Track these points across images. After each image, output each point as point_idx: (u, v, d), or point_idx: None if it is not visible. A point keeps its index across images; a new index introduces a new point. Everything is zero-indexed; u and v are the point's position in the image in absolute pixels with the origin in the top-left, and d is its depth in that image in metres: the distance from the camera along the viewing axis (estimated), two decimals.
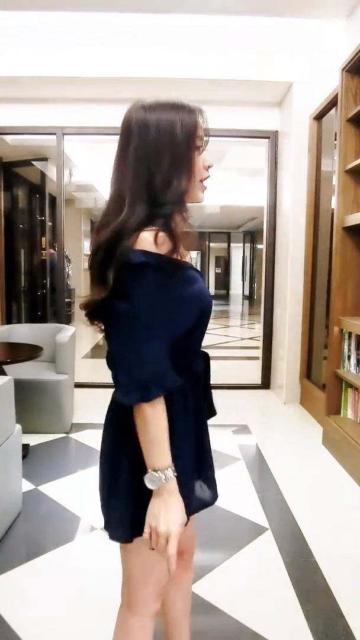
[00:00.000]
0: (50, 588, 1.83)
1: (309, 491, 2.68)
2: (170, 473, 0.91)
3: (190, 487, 1.04)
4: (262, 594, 1.82)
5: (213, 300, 1.06)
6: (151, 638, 1.13)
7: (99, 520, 2.27)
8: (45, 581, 1.87)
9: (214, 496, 1.14)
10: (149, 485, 0.91)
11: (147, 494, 0.93)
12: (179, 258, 0.92)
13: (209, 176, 0.99)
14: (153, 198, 0.91)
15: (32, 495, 2.54)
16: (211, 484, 1.14)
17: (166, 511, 0.90)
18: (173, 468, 0.91)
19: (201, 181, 0.99)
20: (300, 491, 2.66)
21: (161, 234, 0.88)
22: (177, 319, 0.93)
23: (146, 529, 0.92)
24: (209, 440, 1.15)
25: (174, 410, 0.96)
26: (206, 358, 1.13)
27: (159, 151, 0.92)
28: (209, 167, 0.99)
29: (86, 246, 11.11)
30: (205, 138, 0.97)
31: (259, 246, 14.15)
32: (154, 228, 0.89)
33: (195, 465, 1.07)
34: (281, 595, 1.80)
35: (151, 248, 0.87)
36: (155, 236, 0.87)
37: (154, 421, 0.90)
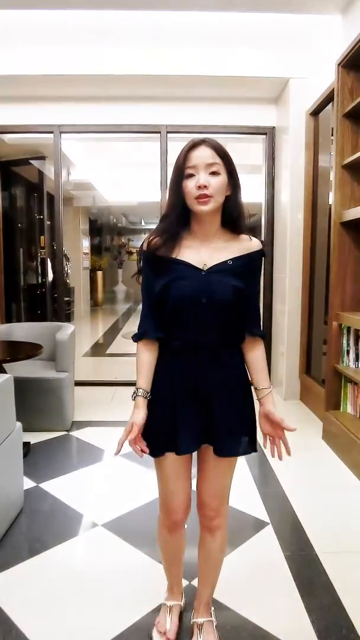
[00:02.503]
0: (53, 585, 1.84)
1: (309, 486, 2.69)
2: (138, 393, 1.37)
3: (157, 431, 1.37)
4: (263, 588, 1.83)
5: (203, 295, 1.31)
6: (169, 546, 1.56)
7: (101, 516, 2.30)
8: (47, 578, 1.88)
9: (186, 448, 1.37)
10: (132, 397, 1.38)
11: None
12: (168, 254, 1.31)
13: (201, 194, 1.26)
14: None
15: (33, 493, 2.55)
16: (186, 437, 1.36)
17: (132, 414, 1.37)
18: (141, 392, 1.37)
19: (196, 198, 1.27)
20: (300, 486, 2.67)
21: (148, 237, 1.36)
22: (146, 294, 1.37)
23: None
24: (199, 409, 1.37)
25: (158, 368, 1.39)
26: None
27: (169, 181, 1.35)
28: (198, 186, 1.25)
29: (85, 244, 11.11)
30: (193, 165, 1.27)
31: None
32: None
33: (167, 416, 1.36)
34: (282, 589, 1.81)
35: (144, 246, 1.37)
36: (146, 239, 1.37)
37: (138, 355, 1.39)
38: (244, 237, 1.36)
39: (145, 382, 1.37)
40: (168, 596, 1.65)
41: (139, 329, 1.39)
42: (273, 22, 3.52)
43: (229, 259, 1.32)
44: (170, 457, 1.38)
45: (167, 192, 1.34)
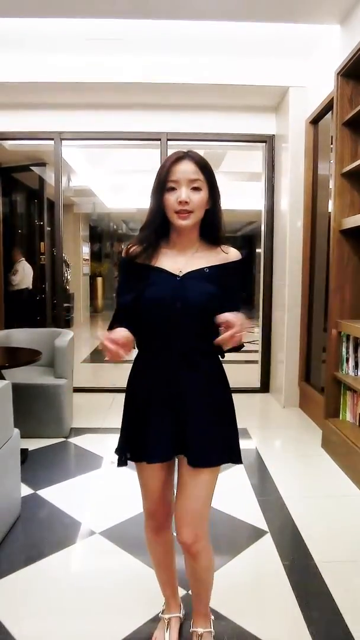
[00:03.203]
0: (50, 593, 1.82)
1: (308, 494, 2.68)
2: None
3: (128, 438, 1.38)
4: (262, 598, 1.82)
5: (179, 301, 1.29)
6: (156, 549, 1.53)
7: (98, 524, 2.28)
8: (44, 587, 1.86)
9: (155, 457, 1.33)
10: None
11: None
12: (145, 262, 1.33)
13: (181, 209, 1.28)
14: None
15: (31, 500, 2.54)
16: (157, 446, 1.32)
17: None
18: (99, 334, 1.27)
19: (176, 213, 1.29)
20: (299, 494, 2.66)
21: (127, 245, 1.40)
22: (119, 300, 1.40)
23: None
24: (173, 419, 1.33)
25: (132, 373, 1.42)
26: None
27: (151, 192, 1.34)
28: (180, 202, 1.27)
29: (85, 251, 11.13)
30: (176, 179, 1.28)
31: (257, 250, 14.15)
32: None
33: (139, 423, 1.35)
34: (281, 599, 1.79)
35: (123, 253, 1.41)
36: (125, 246, 1.41)
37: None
38: (223, 247, 1.38)
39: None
40: (165, 609, 1.62)
41: (109, 325, 1.39)
42: (273, 31, 3.54)
43: (206, 267, 1.33)
44: (148, 464, 1.37)
45: (149, 202, 1.35)
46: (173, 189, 1.29)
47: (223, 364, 1.43)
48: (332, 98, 3.27)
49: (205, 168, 1.31)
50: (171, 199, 1.29)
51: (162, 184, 1.30)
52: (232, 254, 1.37)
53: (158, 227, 1.34)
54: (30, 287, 7.00)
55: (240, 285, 1.40)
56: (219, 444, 1.35)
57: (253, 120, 4.48)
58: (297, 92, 4.03)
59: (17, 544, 2.15)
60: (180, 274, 1.32)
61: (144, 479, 1.43)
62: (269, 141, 4.54)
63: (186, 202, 1.27)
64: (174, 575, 1.60)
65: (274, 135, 4.52)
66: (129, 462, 1.39)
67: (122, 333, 1.24)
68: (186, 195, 1.27)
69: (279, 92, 4.13)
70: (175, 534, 1.44)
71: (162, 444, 1.32)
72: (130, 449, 1.38)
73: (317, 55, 3.76)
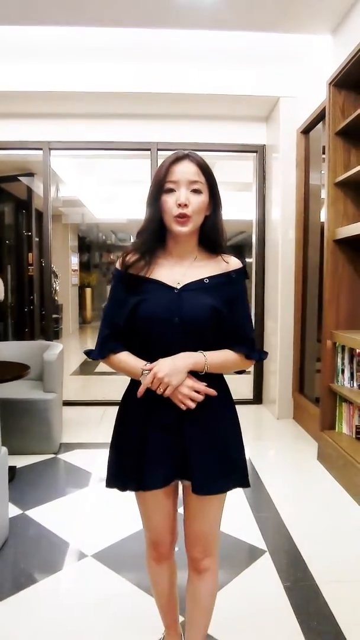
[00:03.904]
0: (40, 622, 1.73)
1: (305, 509, 2.61)
2: (146, 368, 1.20)
3: (123, 464, 1.29)
4: (263, 622, 1.74)
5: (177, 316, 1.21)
6: (158, 578, 1.44)
7: (90, 546, 2.19)
8: (34, 615, 1.77)
9: (152, 484, 1.25)
10: (143, 380, 1.21)
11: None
12: (140, 273, 1.24)
13: (180, 212, 1.19)
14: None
15: (19, 521, 2.43)
16: (151, 472, 1.24)
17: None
18: (143, 366, 1.21)
19: (174, 217, 1.20)
20: (296, 509, 2.59)
21: (123, 254, 1.28)
22: (111, 313, 1.29)
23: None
24: (164, 441, 1.24)
25: (127, 396, 1.33)
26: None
27: (148, 194, 1.27)
28: (179, 204, 1.19)
29: (74, 261, 11.05)
30: (175, 179, 1.20)
31: (247, 260, 14.16)
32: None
33: (135, 449, 1.26)
34: (282, 623, 1.72)
35: (117, 264, 1.30)
36: (121, 256, 1.29)
37: (115, 362, 1.28)
38: (223, 256, 1.29)
39: (141, 361, 1.23)
40: (165, 637, 1.54)
41: (102, 346, 1.27)
42: (263, 41, 3.53)
43: (206, 278, 1.24)
44: (146, 491, 1.27)
45: (145, 206, 1.26)
46: (172, 190, 1.21)
47: None
48: (324, 108, 3.26)
49: (206, 170, 1.23)
50: (169, 201, 1.20)
51: (160, 185, 1.22)
52: (233, 263, 1.28)
53: (155, 233, 1.25)
54: (2, 298, 6.77)
55: (245, 297, 1.30)
56: (225, 469, 1.26)
57: (244, 130, 4.47)
58: (288, 102, 4.02)
59: (5, 569, 2.05)
60: (178, 286, 1.23)
61: (146, 508, 1.35)
62: (259, 151, 4.53)
63: (185, 205, 1.19)
64: (176, 603, 1.52)
65: (264, 145, 4.51)
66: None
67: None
68: (185, 197, 1.19)
69: (270, 102, 4.12)
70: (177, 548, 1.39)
71: (161, 468, 1.24)
72: (125, 479, 1.28)
73: (307, 65, 3.76)
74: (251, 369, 4.77)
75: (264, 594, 1.88)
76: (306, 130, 3.92)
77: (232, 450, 1.29)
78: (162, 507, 1.33)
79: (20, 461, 3.15)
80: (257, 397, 4.71)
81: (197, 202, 1.21)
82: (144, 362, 1.23)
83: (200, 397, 1.19)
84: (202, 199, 1.22)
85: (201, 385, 1.20)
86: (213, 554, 1.34)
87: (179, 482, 1.33)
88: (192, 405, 1.18)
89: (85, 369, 6.83)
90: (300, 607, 1.79)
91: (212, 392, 1.20)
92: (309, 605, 1.81)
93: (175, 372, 1.16)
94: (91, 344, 1.37)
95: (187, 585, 1.40)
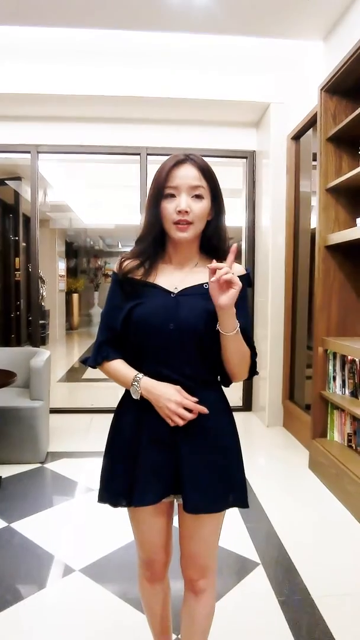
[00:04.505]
0: None
1: (298, 519, 2.56)
2: (138, 377, 1.17)
3: (113, 478, 1.23)
4: (258, 638, 1.68)
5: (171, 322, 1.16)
6: (150, 599, 1.38)
7: (78, 560, 2.12)
8: (20, 634, 1.69)
9: (141, 500, 1.18)
10: (134, 396, 1.18)
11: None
12: (139, 277, 1.20)
13: (181, 219, 1.14)
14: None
15: (4, 535, 2.35)
16: (142, 488, 1.18)
17: (159, 398, 1.15)
18: (140, 375, 1.17)
19: (174, 223, 1.15)
20: (289, 519, 2.54)
21: (120, 259, 1.25)
22: (107, 319, 1.25)
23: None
24: (158, 457, 1.19)
25: (118, 407, 1.28)
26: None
27: (147, 199, 1.22)
28: (179, 211, 1.13)
29: (61, 267, 10.95)
30: (175, 185, 1.14)
31: (237, 266, 14.15)
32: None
33: (126, 463, 1.21)
34: (278, 638, 1.66)
35: (115, 268, 1.26)
36: (119, 260, 1.25)
37: (109, 370, 1.24)
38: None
39: (133, 371, 1.19)
40: None
41: (98, 354, 1.23)
42: (254, 47, 3.53)
43: (205, 283, 1.15)
44: (138, 507, 1.21)
45: (144, 211, 1.21)
46: (172, 196, 1.15)
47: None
48: (315, 114, 3.25)
49: (208, 174, 1.17)
50: (169, 207, 1.15)
51: (160, 191, 1.16)
52: (236, 270, 1.21)
53: (155, 239, 1.19)
54: None
55: (246, 304, 1.23)
56: (221, 487, 1.20)
57: (234, 136, 4.45)
58: (278, 108, 4.01)
59: None
60: (176, 291, 1.19)
61: (138, 526, 1.28)
62: (249, 157, 4.52)
63: (186, 212, 1.13)
64: (169, 624, 1.45)
65: (254, 151, 4.50)
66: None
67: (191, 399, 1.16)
68: (186, 204, 1.13)
69: (260, 107, 4.12)
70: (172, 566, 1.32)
71: (153, 484, 1.18)
72: (117, 494, 1.22)
73: (297, 72, 3.76)
74: None
75: (259, 609, 1.83)
76: (297, 137, 3.91)
77: (231, 467, 1.23)
78: (156, 525, 1.26)
79: (6, 471, 3.06)
80: (247, 404, 4.67)
81: (199, 208, 1.15)
82: (135, 372, 1.18)
83: (189, 416, 1.13)
84: (204, 204, 1.16)
85: (191, 402, 1.14)
86: (210, 576, 1.28)
87: (174, 499, 1.27)
88: (181, 422, 1.13)
89: (72, 376, 6.74)
90: (296, 623, 1.74)
91: (203, 409, 1.15)
92: (305, 620, 1.76)
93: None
94: (78, 351, 1.33)
95: (182, 605, 1.33)
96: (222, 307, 1.07)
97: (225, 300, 1.06)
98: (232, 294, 1.06)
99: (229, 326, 1.11)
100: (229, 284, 1.05)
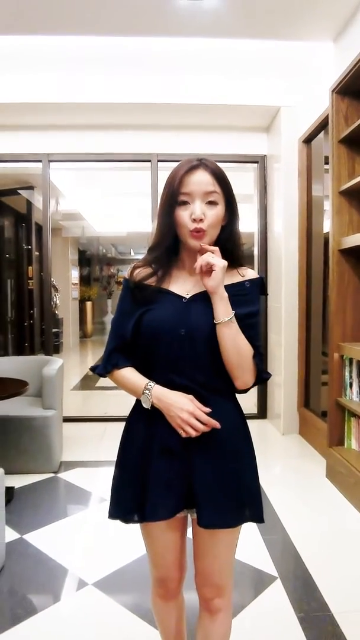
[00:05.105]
0: None
1: (316, 531, 2.50)
2: (150, 385, 1.13)
3: (123, 492, 1.19)
4: None
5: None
6: (165, 617, 1.33)
7: (91, 573, 2.08)
8: None
9: (153, 515, 1.15)
10: (145, 405, 1.14)
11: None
12: (151, 283, 1.18)
13: (195, 227, 1.11)
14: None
15: (17, 546, 2.32)
16: (154, 502, 1.14)
17: (171, 407, 1.10)
18: (151, 383, 1.14)
19: (190, 232, 1.12)
20: (307, 531, 2.48)
21: (131, 266, 1.23)
22: (117, 326, 1.22)
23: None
24: (167, 469, 1.15)
25: (128, 418, 1.24)
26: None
27: (159, 206, 1.18)
28: (194, 219, 1.10)
29: (74, 275, 11.00)
30: (189, 191, 1.11)
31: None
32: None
33: (137, 476, 1.17)
34: None
35: (126, 274, 1.23)
36: (132, 266, 1.23)
37: (119, 378, 1.20)
38: (240, 270, 1.20)
39: (145, 379, 1.16)
40: None
41: (108, 362, 1.20)
42: (263, 50, 3.51)
43: None
44: (150, 522, 1.18)
45: (156, 219, 1.19)
46: (185, 202, 1.12)
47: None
48: (326, 116, 3.21)
49: (222, 179, 1.14)
50: (184, 215, 1.12)
51: (173, 198, 1.12)
52: (250, 273, 1.20)
53: (169, 247, 1.17)
54: None
55: (257, 311, 1.19)
56: (235, 501, 1.15)
57: (244, 141, 4.42)
58: (289, 111, 3.97)
59: (1, 600, 1.94)
60: (188, 296, 1.16)
61: (151, 542, 1.24)
62: (260, 161, 4.48)
63: (201, 220, 1.10)
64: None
65: (265, 155, 4.46)
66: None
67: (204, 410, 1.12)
68: (201, 211, 1.10)
69: (270, 111, 4.08)
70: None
71: (165, 498, 1.13)
72: (128, 508, 1.18)
73: (307, 74, 3.72)
74: None
75: (277, 626, 1.77)
76: (308, 140, 3.87)
77: (246, 480, 1.18)
78: (169, 542, 1.22)
79: (19, 481, 3.04)
80: (262, 412, 4.60)
81: (213, 215, 1.12)
82: (147, 381, 1.14)
83: (201, 427, 1.09)
84: (218, 211, 1.13)
85: (204, 415, 1.09)
86: (225, 594, 1.22)
87: (188, 514, 1.22)
88: (193, 433, 1.09)
89: (86, 384, 6.73)
90: None
91: (215, 424, 1.10)
92: (327, 638, 1.69)
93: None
94: (92, 359, 1.30)
95: (197, 625, 1.28)
96: (209, 290, 1.10)
97: (209, 282, 1.09)
98: (215, 275, 1.08)
99: (219, 312, 1.09)
100: (209, 268, 1.08)
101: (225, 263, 1.10)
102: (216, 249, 1.12)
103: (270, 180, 4.42)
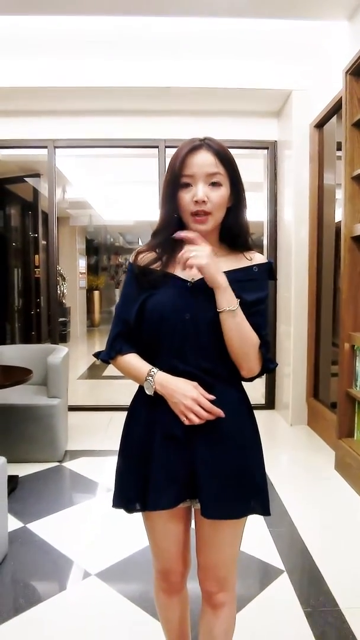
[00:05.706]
0: None
1: (324, 523, 2.45)
2: (153, 371, 1.10)
3: (126, 481, 1.17)
4: None
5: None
6: (167, 611, 1.30)
7: (95, 564, 2.05)
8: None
9: (156, 503, 1.11)
10: (148, 391, 1.10)
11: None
12: (155, 267, 1.14)
13: (199, 209, 1.07)
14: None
15: (20, 535, 2.29)
16: (156, 490, 1.11)
17: (174, 393, 1.06)
18: (155, 370, 1.10)
19: (192, 215, 1.08)
20: (315, 523, 2.43)
21: (135, 251, 1.20)
22: (121, 311, 1.18)
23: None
24: (171, 457, 1.11)
25: (130, 405, 1.22)
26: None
27: (162, 188, 1.16)
28: (196, 201, 1.06)
29: (82, 264, 10.95)
30: (191, 173, 1.07)
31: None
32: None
33: (140, 464, 1.14)
34: None
35: (130, 259, 1.20)
36: (136, 251, 1.20)
37: (122, 364, 1.17)
38: (247, 254, 1.16)
39: (148, 365, 1.12)
40: None
41: (111, 348, 1.16)
42: (274, 32, 3.39)
43: (223, 272, 1.09)
44: (157, 511, 1.14)
45: (160, 203, 1.16)
46: (188, 185, 1.08)
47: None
48: (339, 99, 3.11)
49: (226, 159, 1.09)
50: (186, 197, 1.08)
51: (175, 180, 1.09)
52: (257, 259, 1.15)
53: (173, 232, 1.11)
54: None
55: (265, 297, 1.14)
56: (240, 491, 1.11)
57: (254, 126, 4.32)
58: (301, 95, 3.87)
59: (2, 590, 1.91)
60: (193, 280, 1.11)
61: (153, 533, 1.20)
62: (271, 147, 4.38)
63: (203, 202, 1.06)
64: (188, 635, 1.36)
65: (276, 141, 4.36)
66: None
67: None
68: (203, 193, 1.06)
69: (281, 95, 3.98)
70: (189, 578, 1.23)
71: (168, 487, 1.09)
72: (130, 497, 1.15)
73: (320, 56, 3.61)
74: None
75: (283, 621, 1.73)
76: (320, 124, 3.76)
77: (251, 469, 1.14)
78: (171, 532, 1.18)
79: (23, 470, 3.02)
80: (269, 402, 4.54)
81: (217, 197, 1.08)
82: (150, 367, 1.10)
83: (205, 415, 1.05)
84: (222, 192, 1.09)
85: (207, 402, 1.05)
86: (229, 588, 1.19)
87: (192, 505, 1.18)
88: (196, 420, 1.05)
89: (92, 373, 6.70)
90: (324, 637, 1.63)
91: (219, 412, 1.06)
92: (333, 634, 1.65)
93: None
94: (99, 348, 1.27)
95: (200, 619, 1.24)
96: (207, 282, 1.05)
97: (204, 275, 1.05)
98: (204, 271, 1.04)
99: (221, 301, 1.05)
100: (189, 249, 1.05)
101: (207, 250, 1.04)
102: (196, 234, 1.06)
103: (280, 166, 4.33)
